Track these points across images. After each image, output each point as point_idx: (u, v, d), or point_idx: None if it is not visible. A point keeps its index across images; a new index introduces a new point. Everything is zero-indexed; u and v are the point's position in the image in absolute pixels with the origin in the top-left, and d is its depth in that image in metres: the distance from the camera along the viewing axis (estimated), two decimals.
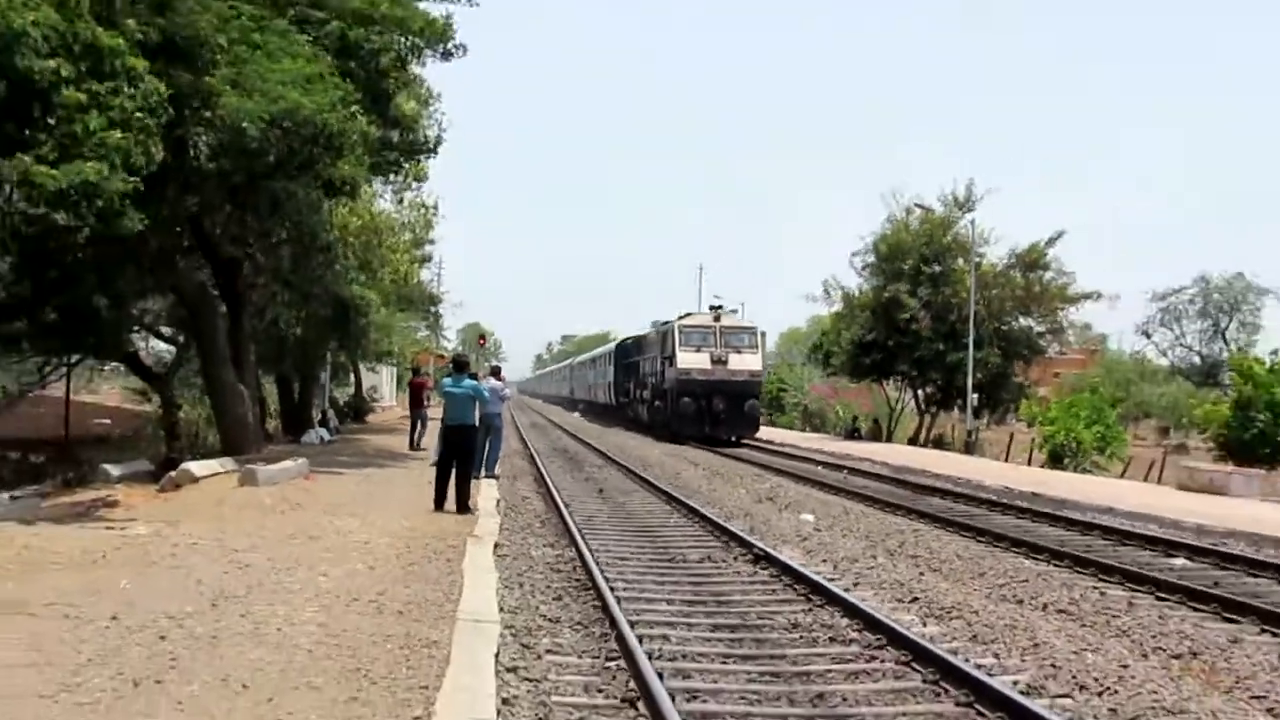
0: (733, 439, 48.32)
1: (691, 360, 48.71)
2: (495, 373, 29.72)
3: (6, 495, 20.91)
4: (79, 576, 12.28)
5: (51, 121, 17.18)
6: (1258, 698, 9.23)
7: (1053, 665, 10.01)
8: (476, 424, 20.56)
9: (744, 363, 49.26)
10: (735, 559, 15.85)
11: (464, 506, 19.31)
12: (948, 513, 22.36)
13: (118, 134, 17.49)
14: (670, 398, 49.90)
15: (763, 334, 51.22)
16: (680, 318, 51.55)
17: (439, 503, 19.43)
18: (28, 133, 17.30)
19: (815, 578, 13.60)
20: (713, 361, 47.97)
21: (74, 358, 35.02)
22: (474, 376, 21.27)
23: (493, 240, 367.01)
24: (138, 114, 18.26)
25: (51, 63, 16.85)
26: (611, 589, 12.47)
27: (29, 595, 11.05)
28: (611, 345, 73.83)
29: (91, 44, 17.69)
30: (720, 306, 52.08)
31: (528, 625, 11.07)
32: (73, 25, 17.42)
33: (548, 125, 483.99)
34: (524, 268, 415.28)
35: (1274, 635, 11.52)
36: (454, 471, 19.62)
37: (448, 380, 21.20)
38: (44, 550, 13.93)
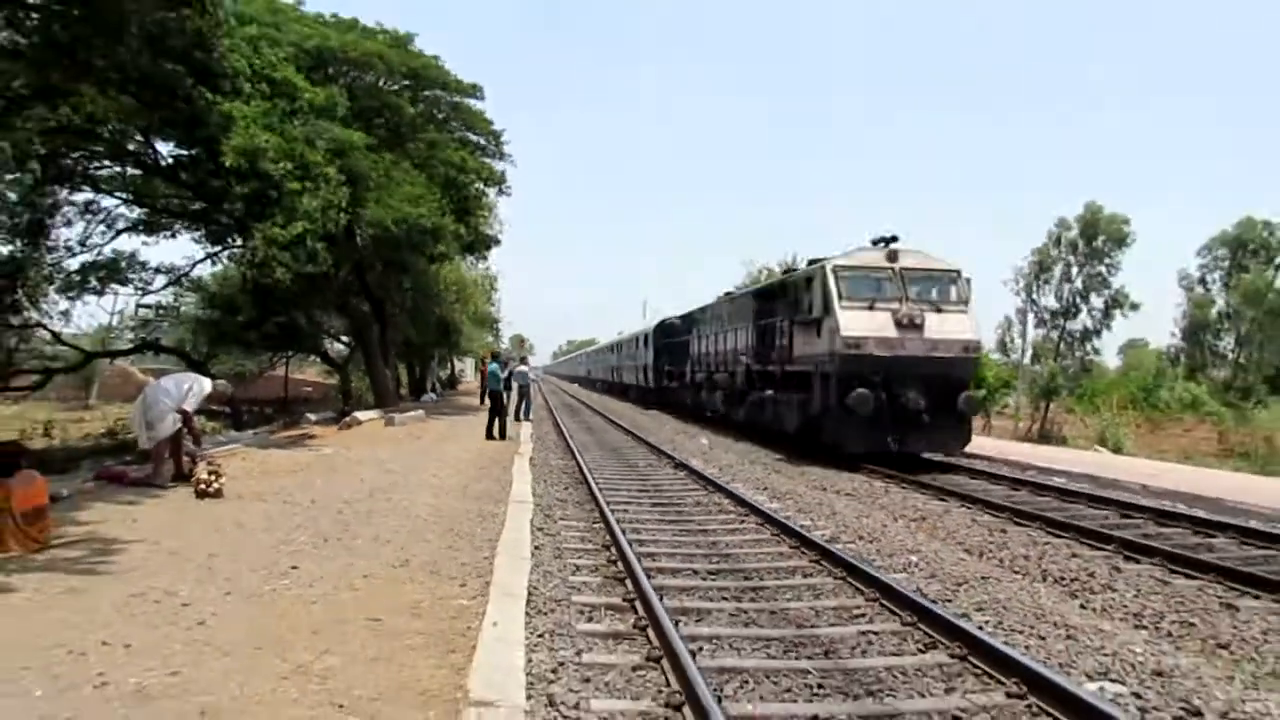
0: (933, 457, 16.70)
1: (862, 324, 15.95)
2: (523, 360, 30.48)
3: (250, 432, 20.64)
4: (292, 478, 12.14)
5: (279, 205, 17.48)
6: (959, 542, 9.29)
7: (844, 526, 10.04)
8: (503, 390, 21.05)
9: (948, 327, 16.28)
10: (665, 465, 15.80)
11: (504, 435, 19.80)
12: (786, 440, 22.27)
13: (318, 206, 17.87)
14: (823, 388, 16.45)
15: (969, 282, 16.95)
16: (832, 259, 17.30)
17: (489, 435, 19.71)
18: (265, 212, 17.64)
19: (710, 475, 13.55)
20: (899, 325, 15.92)
21: (289, 353, 35.48)
22: (504, 364, 21.91)
23: (529, 274, 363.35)
24: (331, 201, 18.61)
25: (281, 165, 17.13)
26: (596, 483, 12.39)
27: (264, 489, 10.93)
28: (649, 326, 43.33)
29: (302, 158, 17.94)
30: (894, 238, 17.38)
31: (549, 504, 11.01)
32: (291, 146, 17.64)
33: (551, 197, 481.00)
34: (545, 292, 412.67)
35: (967, 508, 11.53)
36: (496, 418, 20.15)
37: (493, 368, 21.80)
38: (273, 463, 13.76)
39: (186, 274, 26.60)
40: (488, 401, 21.98)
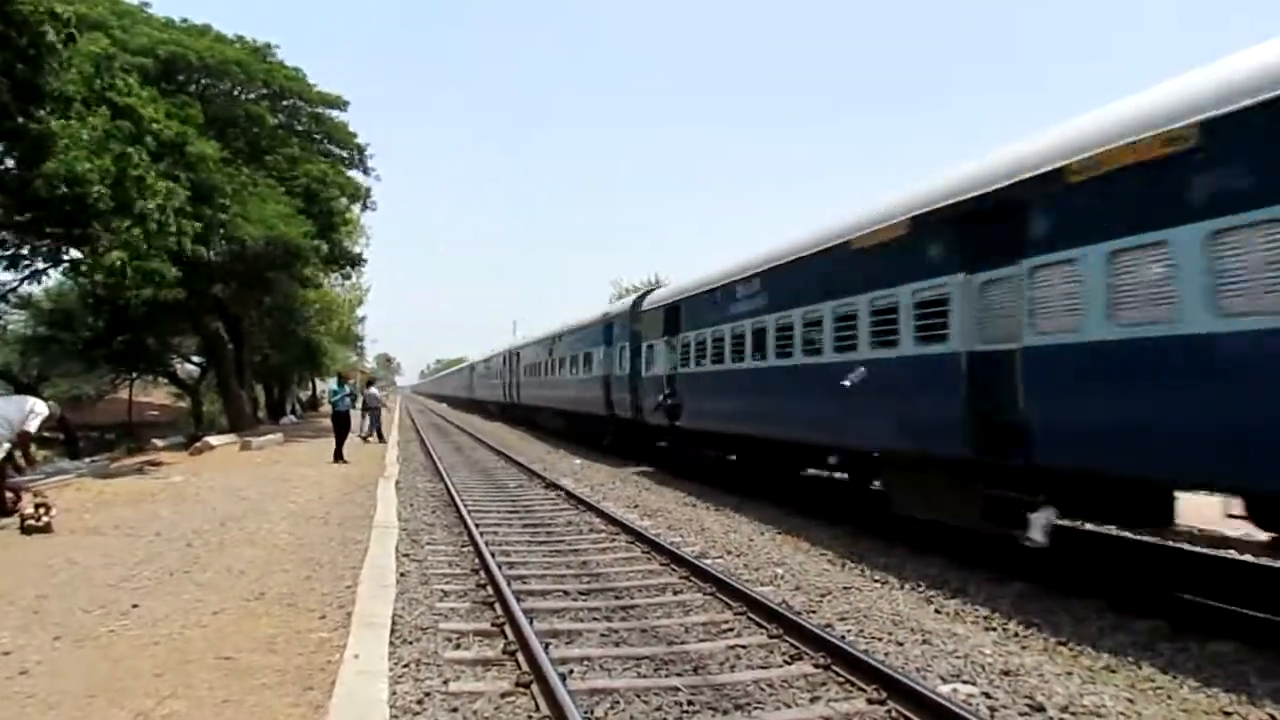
0: None
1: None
2: (371, 383, 29.65)
3: (88, 460, 19.22)
4: (135, 509, 11.38)
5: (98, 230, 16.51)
6: (823, 553, 9.56)
7: (713, 541, 10.17)
8: (349, 412, 20.49)
9: None
10: (536, 485, 15.66)
11: (340, 459, 19.06)
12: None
13: (139, 232, 16.87)
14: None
15: None
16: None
17: (336, 458, 19.03)
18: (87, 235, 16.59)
19: (581, 495, 13.52)
20: None
21: (133, 374, 33.45)
22: (346, 383, 21.32)
23: (398, 290, 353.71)
24: (181, 220, 17.66)
25: (98, 188, 16.06)
26: (465, 506, 12.14)
27: (101, 522, 10.19)
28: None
29: (140, 177, 16.90)
30: None
31: (416, 528, 10.70)
32: (120, 166, 16.56)
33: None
34: (414, 309, 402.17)
35: (829, 525, 11.84)
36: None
37: (333, 388, 21.19)
38: (113, 493, 12.87)
39: (13, 290, 24.65)
40: (352, 423, 21.25)
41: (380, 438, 24.80)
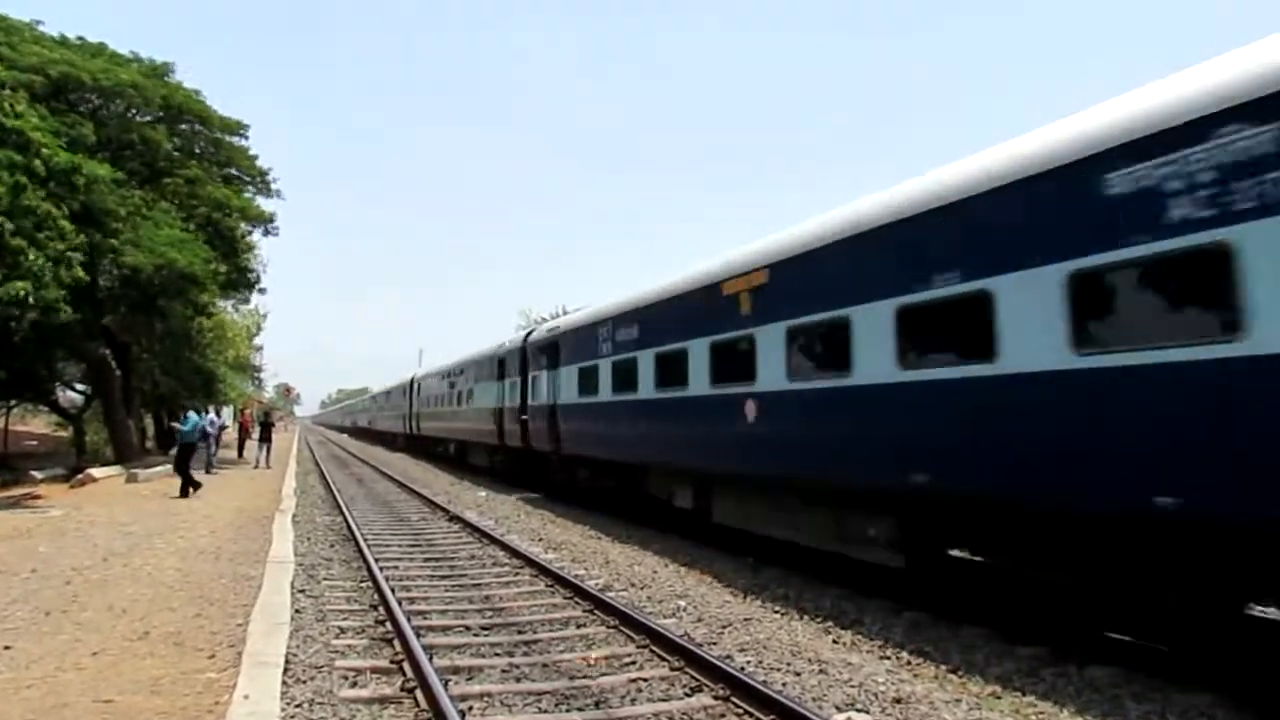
0: None
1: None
2: (197, 411, 28.66)
3: None
4: (8, 545, 10.70)
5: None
6: (723, 583, 9.64)
7: (618, 574, 10.13)
8: (192, 445, 19.34)
9: None
10: (440, 518, 15.34)
11: (189, 490, 18.13)
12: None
13: (47, 264, 16.04)
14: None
15: None
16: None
17: (187, 489, 18.12)
18: None
19: (484, 528, 13.31)
20: None
21: (9, 403, 31.47)
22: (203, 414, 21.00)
23: (298, 319, 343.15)
24: (68, 253, 16.87)
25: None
26: (365, 540, 11.81)
27: None
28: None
29: (34, 208, 16.04)
30: None
31: (313, 563, 10.34)
32: (20, 198, 15.70)
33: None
34: (318, 338, 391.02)
35: (733, 557, 11.94)
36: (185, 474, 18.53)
37: (184, 419, 20.34)
38: None
39: None
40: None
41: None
